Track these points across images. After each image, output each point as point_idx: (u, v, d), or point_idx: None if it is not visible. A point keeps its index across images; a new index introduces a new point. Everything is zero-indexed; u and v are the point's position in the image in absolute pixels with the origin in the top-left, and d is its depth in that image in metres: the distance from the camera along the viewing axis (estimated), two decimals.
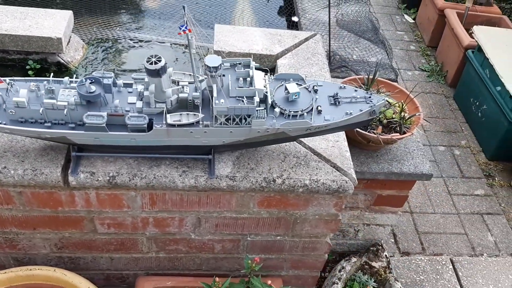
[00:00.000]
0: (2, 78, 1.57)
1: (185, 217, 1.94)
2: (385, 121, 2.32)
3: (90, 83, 1.58)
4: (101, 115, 1.57)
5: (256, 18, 3.41)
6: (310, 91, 1.73)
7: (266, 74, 1.72)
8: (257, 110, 1.60)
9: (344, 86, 1.78)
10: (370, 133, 2.24)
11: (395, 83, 2.52)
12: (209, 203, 1.88)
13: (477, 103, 4.01)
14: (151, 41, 2.72)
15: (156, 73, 1.53)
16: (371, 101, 1.73)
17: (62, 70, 2.39)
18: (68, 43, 2.39)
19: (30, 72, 2.36)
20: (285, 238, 2.11)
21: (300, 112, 1.65)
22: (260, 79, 1.64)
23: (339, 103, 1.72)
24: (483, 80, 3.89)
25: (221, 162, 1.81)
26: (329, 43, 2.84)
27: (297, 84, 1.71)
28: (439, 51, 4.85)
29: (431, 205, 3.36)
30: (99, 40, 2.62)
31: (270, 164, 1.83)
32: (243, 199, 1.88)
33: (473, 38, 4.09)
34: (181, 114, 1.61)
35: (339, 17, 3.32)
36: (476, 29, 4.07)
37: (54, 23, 2.30)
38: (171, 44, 2.71)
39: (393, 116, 2.34)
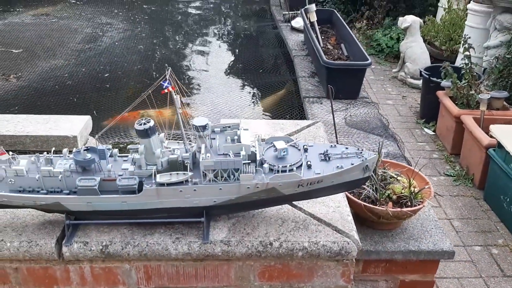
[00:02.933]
0: (4, 150, 1.68)
1: None
2: (394, 196, 2.26)
3: (85, 150, 1.67)
4: (93, 178, 1.62)
5: None
6: (299, 149, 1.75)
7: (256, 136, 1.77)
8: (244, 164, 1.62)
9: (335, 145, 1.79)
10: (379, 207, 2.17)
11: (401, 163, 2.50)
12: (206, 276, 1.79)
13: (508, 200, 3.83)
14: None
15: (145, 133, 1.61)
16: (363, 156, 1.72)
17: None
18: (85, 144, 2.56)
19: None
20: None
21: (289, 167, 1.65)
22: (247, 137, 1.69)
23: (329, 158, 1.72)
24: (509, 175, 3.76)
25: (217, 229, 1.77)
26: (336, 134, 2.90)
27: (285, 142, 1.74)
28: (462, 156, 4.80)
29: None
30: (116, 144, 2.79)
31: (267, 228, 1.77)
32: (242, 270, 1.79)
33: (492, 137, 4.08)
34: (171, 174, 1.64)
35: (347, 117, 3.44)
36: (493, 127, 4.08)
37: (72, 125, 2.50)
38: None
39: (402, 191, 2.28)
